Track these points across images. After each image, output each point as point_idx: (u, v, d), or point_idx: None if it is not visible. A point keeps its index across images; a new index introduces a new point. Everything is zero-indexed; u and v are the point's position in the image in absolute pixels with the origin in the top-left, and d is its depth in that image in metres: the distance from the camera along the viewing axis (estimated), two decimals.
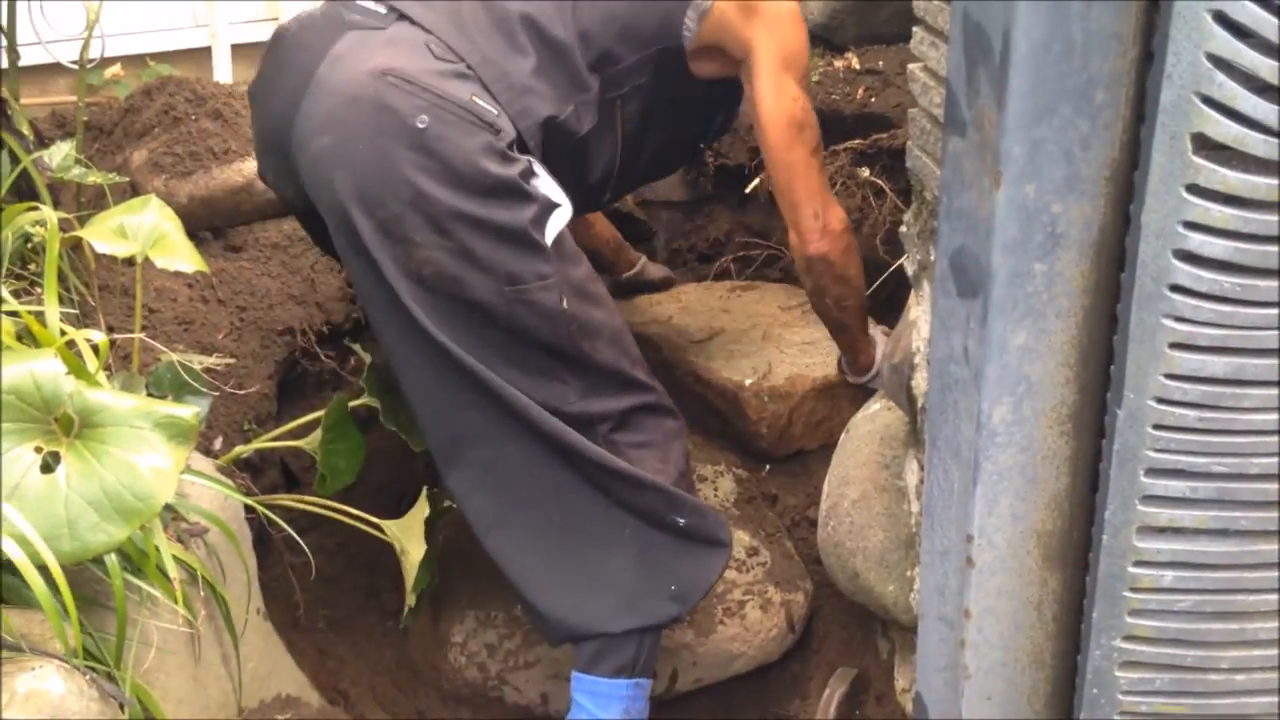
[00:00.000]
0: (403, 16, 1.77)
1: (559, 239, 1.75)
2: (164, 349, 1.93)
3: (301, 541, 1.82)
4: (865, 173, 2.57)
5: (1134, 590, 1.17)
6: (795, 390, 2.32)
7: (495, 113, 1.71)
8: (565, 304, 1.73)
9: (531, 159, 1.76)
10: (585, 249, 2.54)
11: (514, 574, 1.83)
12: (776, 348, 2.42)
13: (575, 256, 1.80)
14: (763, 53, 1.94)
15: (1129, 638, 1.19)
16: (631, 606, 1.83)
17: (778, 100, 1.93)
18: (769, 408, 2.32)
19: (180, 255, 1.90)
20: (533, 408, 1.75)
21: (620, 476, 1.79)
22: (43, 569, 1.36)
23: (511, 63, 1.77)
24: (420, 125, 1.65)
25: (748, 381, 2.33)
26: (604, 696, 1.84)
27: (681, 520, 1.82)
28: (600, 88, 1.88)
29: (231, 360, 2.15)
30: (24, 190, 1.96)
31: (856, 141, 2.59)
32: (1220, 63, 0.97)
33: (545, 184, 1.75)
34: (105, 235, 1.85)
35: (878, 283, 2.47)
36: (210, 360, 2.08)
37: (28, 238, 1.87)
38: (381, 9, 1.79)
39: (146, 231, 1.89)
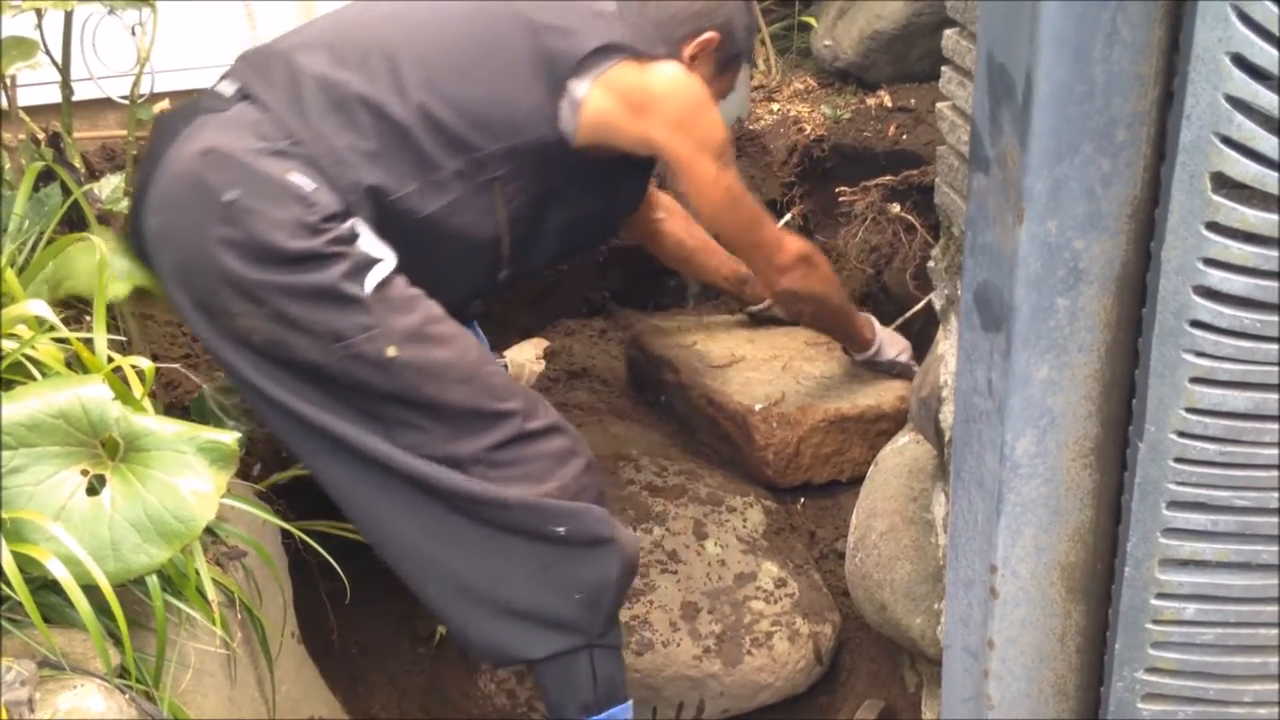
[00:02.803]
0: (246, 96, 1.81)
1: (383, 290, 1.74)
2: (206, 378, 1.97)
3: (337, 567, 1.84)
4: (896, 208, 2.59)
5: (1156, 623, 1.18)
6: (805, 420, 2.34)
7: (312, 187, 1.72)
8: (394, 352, 1.72)
9: (356, 222, 1.75)
10: (709, 282, 2.58)
11: (438, 611, 1.86)
12: (794, 379, 2.44)
13: (406, 304, 1.77)
14: (673, 147, 1.93)
15: (1151, 670, 1.20)
16: (548, 626, 1.83)
17: (704, 190, 1.96)
18: (777, 434, 2.34)
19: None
20: (387, 453, 1.75)
21: (484, 501, 1.78)
22: (85, 589, 1.40)
23: (342, 138, 1.77)
24: (228, 199, 1.68)
25: (758, 406, 2.35)
26: None
27: (561, 529, 1.80)
28: (465, 170, 1.85)
29: None
30: (75, 221, 2.01)
31: (888, 178, 2.61)
32: (1239, 104, 1.00)
33: (367, 242, 1.75)
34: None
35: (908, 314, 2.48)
36: None
37: None
38: (230, 90, 1.83)
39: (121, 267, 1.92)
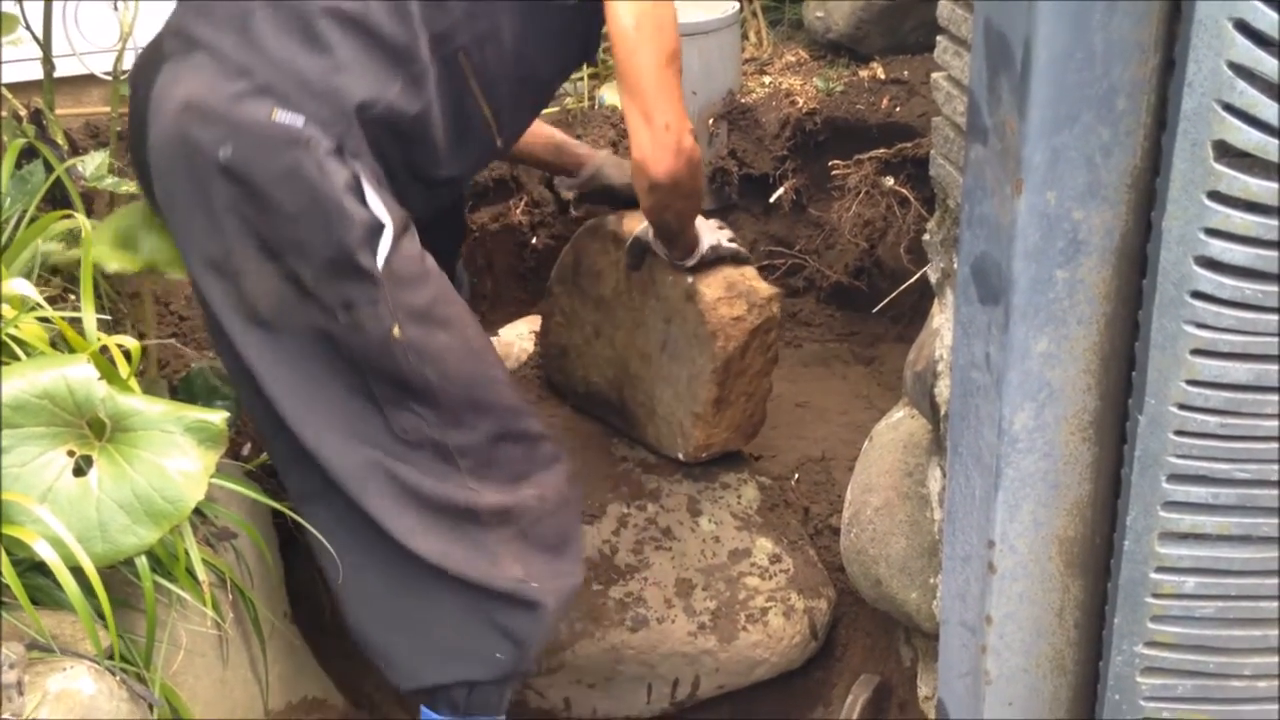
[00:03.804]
0: (197, 43, 1.66)
1: (393, 264, 1.64)
2: (195, 355, 1.95)
3: (329, 546, 1.83)
4: (890, 182, 2.57)
5: (1156, 596, 1.17)
6: (708, 419, 2.23)
7: (300, 124, 1.59)
8: (398, 331, 1.64)
9: (358, 166, 1.63)
10: (525, 158, 2.30)
11: (353, 620, 1.80)
12: (669, 388, 2.26)
13: (415, 280, 1.68)
14: None
15: (1151, 644, 1.19)
16: (446, 660, 1.79)
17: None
18: (714, 443, 2.27)
19: (178, 262, 1.91)
20: (350, 476, 1.69)
21: (424, 562, 1.72)
22: (74, 570, 1.38)
23: (309, 64, 1.61)
24: (224, 157, 1.57)
25: (680, 455, 2.28)
26: None
27: (486, 603, 1.76)
28: (433, 50, 1.68)
29: None
30: (58, 199, 1.99)
31: (881, 151, 2.59)
32: (1241, 70, 0.98)
33: (372, 199, 1.64)
34: (108, 255, 1.85)
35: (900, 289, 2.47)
36: None
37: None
38: (185, 34, 1.68)
39: (148, 241, 1.90)
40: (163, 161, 1.66)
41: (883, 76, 2.85)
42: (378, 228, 1.63)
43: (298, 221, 1.60)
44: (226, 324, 1.66)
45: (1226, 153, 1.01)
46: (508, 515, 1.77)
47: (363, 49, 1.63)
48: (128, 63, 2.19)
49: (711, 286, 2.14)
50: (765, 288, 2.20)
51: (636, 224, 2.19)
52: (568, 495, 1.85)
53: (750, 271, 2.21)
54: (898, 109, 2.74)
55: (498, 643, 1.78)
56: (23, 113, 2.10)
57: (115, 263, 1.83)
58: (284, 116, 1.59)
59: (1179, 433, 1.10)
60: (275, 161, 1.58)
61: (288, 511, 1.75)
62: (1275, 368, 1.07)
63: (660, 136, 1.73)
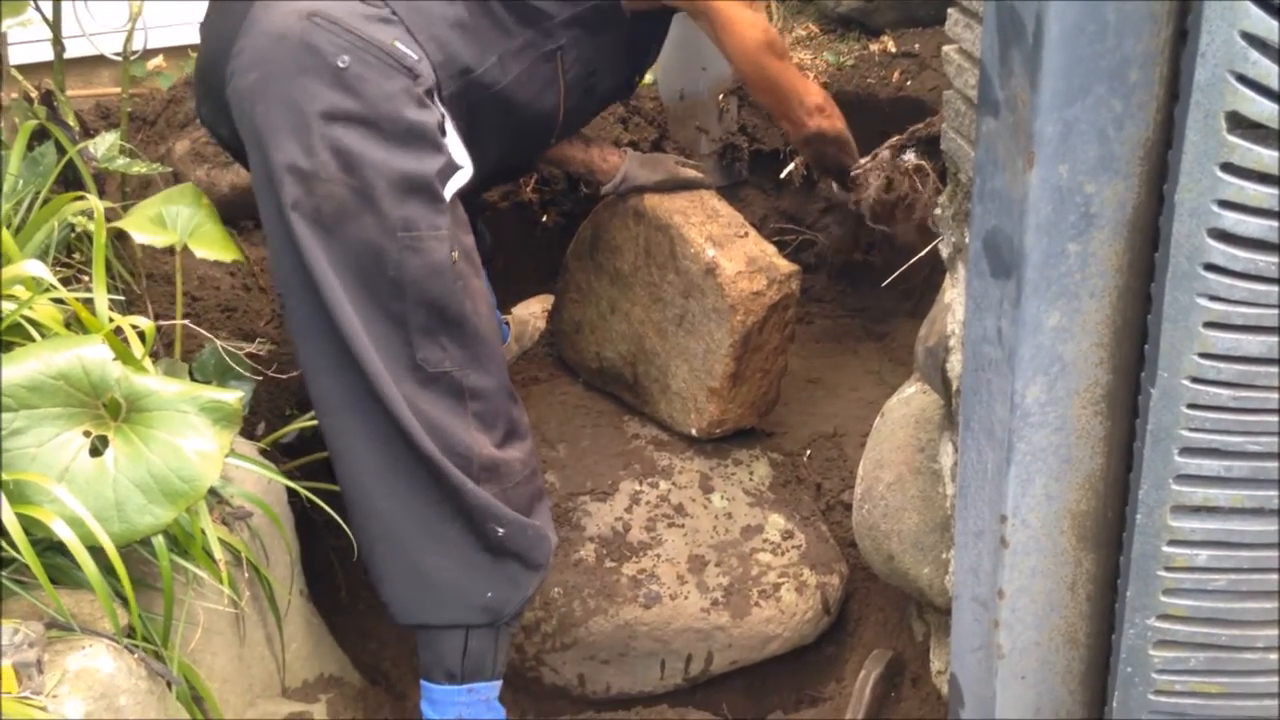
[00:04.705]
0: None
1: (455, 204, 1.79)
2: (208, 335, 1.96)
3: (343, 523, 1.84)
4: (909, 157, 2.55)
5: (1168, 569, 1.17)
6: (723, 393, 2.24)
7: (416, 58, 1.74)
8: (455, 256, 1.76)
9: (445, 113, 1.79)
10: (555, 155, 2.39)
11: (364, 548, 1.82)
12: (684, 363, 2.27)
13: (466, 226, 1.83)
14: None
15: (1163, 617, 1.19)
16: (446, 601, 1.82)
17: (741, 33, 2.04)
18: (727, 422, 2.29)
19: (216, 245, 1.93)
20: (385, 383, 1.72)
21: (445, 476, 1.76)
22: (92, 550, 1.39)
23: (436, 8, 1.80)
24: (341, 65, 1.69)
25: (693, 431, 2.30)
26: (439, 704, 1.86)
27: (500, 530, 1.80)
28: (534, 40, 1.92)
29: (273, 346, 2.18)
30: (70, 180, 2.00)
31: (895, 139, 2.56)
32: (1254, 40, 0.97)
33: (453, 142, 1.79)
34: (144, 225, 1.89)
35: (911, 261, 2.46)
36: (253, 346, 2.11)
37: (72, 227, 1.90)
38: None
39: (184, 221, 1.92)
40: (267, 56, 1.71)
41: (893, 50, 2.83)
42: (454, 167, 1.78)
43: (391, 140, 1.71)
44: (293, 220, 1.70)
45: (1239, 124, 1.00)
46: (495, 472, 1.82)
47: (480, 13, 1.85)
48: (138, 43, 2.19)
49: (733, 261, 2.17)
50: (785, 264, 2.23)
51: (659, 202, 2.25)
52: (536, 466, 1.93)
53: (770, 248, 2.25)
54: (909, 83, 2.72)
55: (493, 579, 1.82)
56: (34, 94, 2.10)
57: (147, 234, 1.86)
58: (405, 47, 1.74)
59: (1191, 406, 1.10)
60: (387, 82, 1.71)
61: (302, 490, 1.76)
62: None
63: (796, 112, 2.16)
